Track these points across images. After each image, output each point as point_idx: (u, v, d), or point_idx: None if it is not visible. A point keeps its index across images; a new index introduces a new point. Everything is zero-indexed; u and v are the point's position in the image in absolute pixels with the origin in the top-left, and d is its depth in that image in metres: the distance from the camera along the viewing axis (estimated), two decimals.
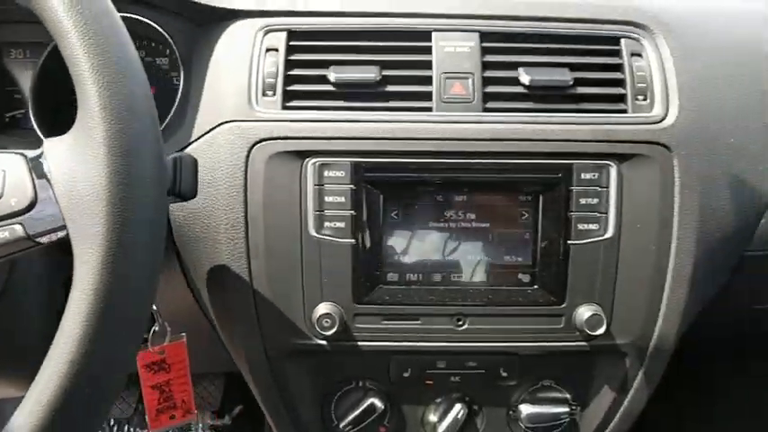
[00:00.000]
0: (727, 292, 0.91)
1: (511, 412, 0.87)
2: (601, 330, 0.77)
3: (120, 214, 0.49)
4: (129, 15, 0.84)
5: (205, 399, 1.85)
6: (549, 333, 0.80)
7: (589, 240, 0.78)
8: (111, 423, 1.88)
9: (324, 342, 0.80)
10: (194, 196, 0.66)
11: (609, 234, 0.78)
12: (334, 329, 0.77)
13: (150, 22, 0.85)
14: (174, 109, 0.84)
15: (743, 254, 0.87)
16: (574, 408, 0.86)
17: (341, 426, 0.86)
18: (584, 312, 0.78)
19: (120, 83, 0.50)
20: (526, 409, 0.85)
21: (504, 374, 0.85)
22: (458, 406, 0.85)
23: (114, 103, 0.50)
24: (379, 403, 0.84)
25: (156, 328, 0.83)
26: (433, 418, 0.87)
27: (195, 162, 0.66)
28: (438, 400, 0.87)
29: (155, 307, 0.81)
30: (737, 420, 1.62)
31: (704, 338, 1.19)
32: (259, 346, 0.81)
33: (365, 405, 0.84)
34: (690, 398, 1.68)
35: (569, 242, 0.78)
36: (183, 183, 0.64)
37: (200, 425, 1.91)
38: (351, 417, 0.84)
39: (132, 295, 0.52)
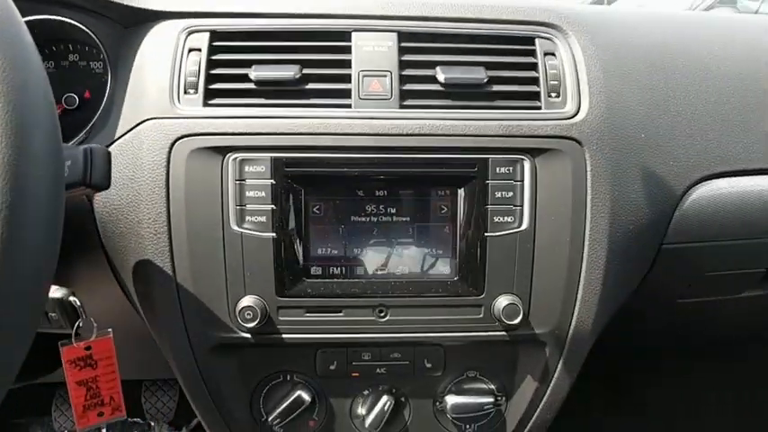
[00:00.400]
0: (652, 287, 0.94)
1: (437, 403, 0.89)
2: (517, 320, 0.80)
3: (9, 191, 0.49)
4: (57, 18, 0.86)
5: (159, 409, 1.83)
6: (470, 323, 0.82)
7: (505, 232, 0.81)
8: None
9: (248, 335, 0.81)
10: (107, 187, 0.67)
11: (524, 226, 0.80)
12: (256, 322, 0.78)
13: (79, 25, 0.86)
14: (101, 108, 0.86)
15: (660, 246, 0.90)
16: (498, 398, 0.88)
17: (269, 420, 0.86)
18: (502, 302, 0.80)
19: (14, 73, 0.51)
20: (452, 400, 0.87)
21: (429, 366, 0.86)
22: (384, 398, 0.86)
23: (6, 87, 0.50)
24: (306, 396, 0.85)
25: (81, 324, 0.83)
26: (360, 410, 0.88)
27: (108, 153, 0.67)
28: (365, 393, 0.88)
29: (78, 302, 0.82)
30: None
31: (638, 334, 1.22)
32: (184, 340, 0.82)
33: (292, 398, 0.85)
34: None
35: (486, 234, 0.80)
36: (94, 173, 0.65)
37: None
38: (279, 410, 0.85)
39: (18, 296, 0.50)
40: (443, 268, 0.82)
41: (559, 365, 0.86)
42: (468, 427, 0.90)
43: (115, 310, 0.95)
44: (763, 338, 1.40)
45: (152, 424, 1.92)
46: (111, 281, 0.88)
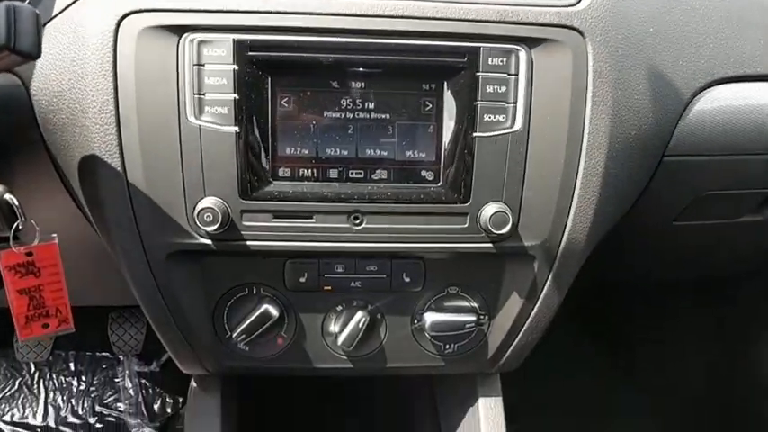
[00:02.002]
0: (649, 204, 0.88)
1: (415, 321, 0.83)
2: (506, 229, 0.73)
3: None
4: None
5: (127, 342, 1.77)
6: (453, 234, 0.75)
7: (496, 133, 0.73)
8: (33, 370, 1.80)
9: (208, 241, 0.73)
10: (37, 55, 0.57)
11: (517, 126, 0.72)
12: (217, 226, 0.70)
13: None
14: None
15: (661, 158, 0.83)
16: (481, 316, 0.82)
17: (234, 336, 0.80)
18: (490, 210, 0.73)
19: None
20: (431, 318, 0.81)
21: (407, 280, 0.80)
22: (359, 314, 0.80)
23: None
24: (273, 311, 0.79)
25: (21, 227, 0.74)
26: (333, 327, 0.82)
27: (36, 15, 0.57)
28: (338, 308, 0.81)
29: (15, 201, 0.73)
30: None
31: (626, 267, 1.17)
32: (138, 246, 0.74)
33: (258, 312, 0.78)
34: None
35: (475, 135, 0.72)
36: (20, 36, 0.55)
37: (127, 371, 1.84)
38: (243, 325, 0.79)
39: None
40: (426, 173, 0.74)
41: (548, 281, 0.80)
42: (447, 346, 0.84)
43: (65, 220, 0.87)
44: (755, 275, 1.36)
45: (121, 358, 1.87)
46: (56, 182, 0.79)
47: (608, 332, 1.84)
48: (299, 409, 1.20)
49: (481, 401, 0.95)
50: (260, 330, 0.79)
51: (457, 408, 1.00)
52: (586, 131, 0.73)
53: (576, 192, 0.75)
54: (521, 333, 0.84)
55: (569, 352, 1.66)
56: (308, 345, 0.83)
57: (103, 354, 1.86)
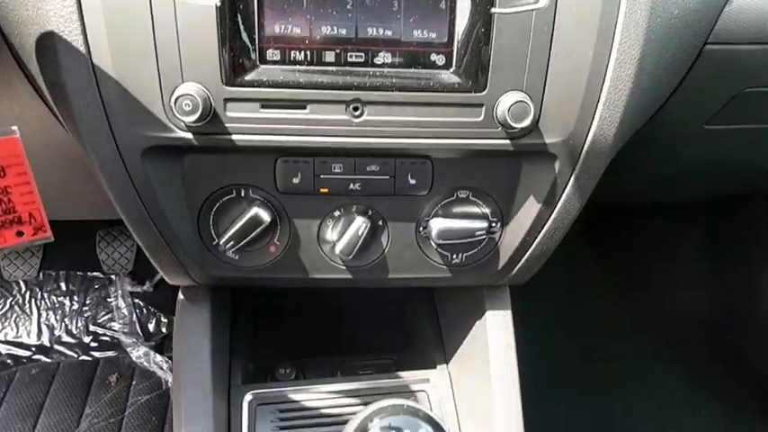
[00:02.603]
0: (682, 103, 0.79)
1: (421, 228, 0.75)
2: (526, 122, 0.64)
3: None
4: None
5: (117, 260, 1.72)
6: (466, 128, 0.67)
7: (518, 9, 0.62)
8: (23, 290, 1.75)
9: (188, 135, 0.64)
10: None
11: (543, 2, 0.62)
12: (197, 116, 0.61)
13: None
14: None
15: (702, 46, 0.73)
16: (493, 223, 0.75)
17: (221, 243, 0.73)
18: (509, 100, 0.64)
19: None
20: (438, 225, 0.73)
21: (413, 182, 0.72)
22: (359, 220, 0.72)
23: None
24: (265, 215, 0.71)
25: None
26: (330, 234, 0.75)
27: None
28: (336, 214, 0.74)
29: None
30: None
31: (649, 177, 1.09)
32: (110, 141, 0.65)
33: (248, 216, 0.71)
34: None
35: (494, 11, 0.62)
36: None
37: (119, 291, 1.80)
38: (232, 231, 0.71)
39: None
40: (436, 56, 0.65)
41: (569, 184, 0.72)
42: (455, 256, 0.78)
43: (33, 120, 0.78)
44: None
45: (113, 278, 1.82)
46: (14, 70, 0.70)
47: (611, 250, 1.79)
48: (295, 322, 1.16)
49: (489, 315, 0.90)
50: (250, 237, 0.71)
51: (461, 322, 0.95)
52: (623, 7, 0.63)
53: (607, 80, 0.66)
54: (535, 242, 0.77)
55: (572, 269, 1.62)
56: (302, 253, 0.76)
57: (95, 274, 1.81)
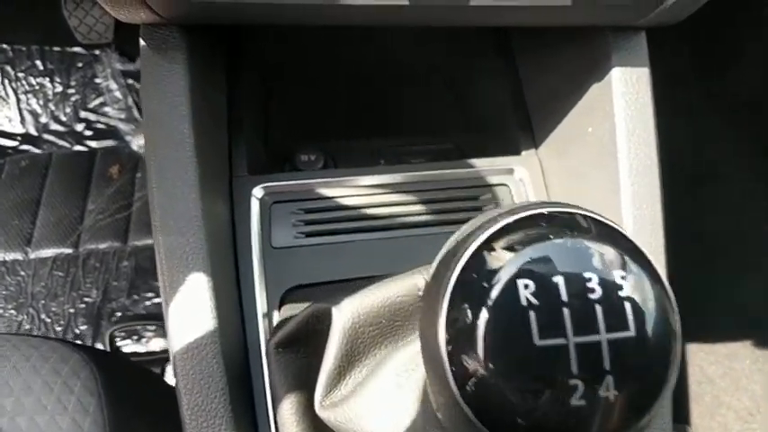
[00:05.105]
0: None
1: None
2: None
3: None
4: None
5: (92, 27, 1.38)
6: None
7: None
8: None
9: None
10: None
11: None
12: None
13: None
14: None
15: None
16: None
17: None
18: None
19: None
20: None
21: None
22: None
23: None
24: None
25: None
26: None
27: None
28: None
29: None
30: None
31: None
32: None
33: None
34: None
35: None
36: None
37: (109, 70, 1.49)
38: None
39: None
40: None
41: None
42: None
43: None
44: None
45: (98, 53, 1.50)
46: None
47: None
48: (319, 93, 0.84)
49: (616, 74, 0.58)
50: None
51: (564, 88, 0.64)
52: None
53: None
54: None
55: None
56: None
57: (75, 49, 1.49)
